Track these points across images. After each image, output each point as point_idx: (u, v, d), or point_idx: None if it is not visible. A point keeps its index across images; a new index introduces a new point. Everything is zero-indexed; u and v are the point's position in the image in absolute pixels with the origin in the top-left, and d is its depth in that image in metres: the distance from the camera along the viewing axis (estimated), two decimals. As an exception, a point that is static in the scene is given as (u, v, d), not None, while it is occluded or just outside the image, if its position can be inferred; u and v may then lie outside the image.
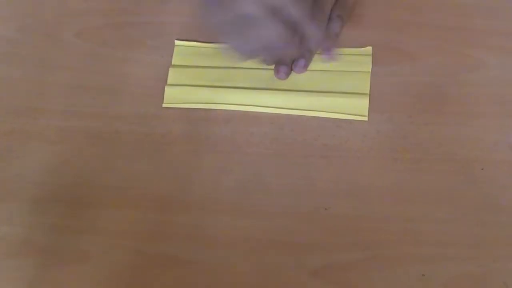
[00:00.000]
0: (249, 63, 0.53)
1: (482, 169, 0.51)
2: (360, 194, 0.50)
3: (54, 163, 0.52)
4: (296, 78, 0.55)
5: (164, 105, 0.54)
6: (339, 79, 0.55)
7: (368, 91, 0.54)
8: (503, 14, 0.58)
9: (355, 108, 0.54)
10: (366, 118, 0.53)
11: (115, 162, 0.52)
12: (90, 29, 0.58)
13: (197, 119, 0.54)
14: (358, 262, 0.48)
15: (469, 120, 0.53)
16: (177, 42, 0.57)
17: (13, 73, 0.57)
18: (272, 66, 0.55)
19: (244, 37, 0.49)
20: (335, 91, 0.54)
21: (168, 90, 0.55)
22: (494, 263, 0.47)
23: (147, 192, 0.51)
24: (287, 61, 0.54)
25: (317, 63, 0.55)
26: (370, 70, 0.55)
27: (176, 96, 0.55)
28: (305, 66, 0.54)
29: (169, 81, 0.56)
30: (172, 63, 0.57)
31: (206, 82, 0.56)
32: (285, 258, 0.48)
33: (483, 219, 0.49)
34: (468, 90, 0.54)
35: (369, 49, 0.56)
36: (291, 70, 0.54)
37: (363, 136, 0.52)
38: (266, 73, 0.55)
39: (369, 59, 0.55)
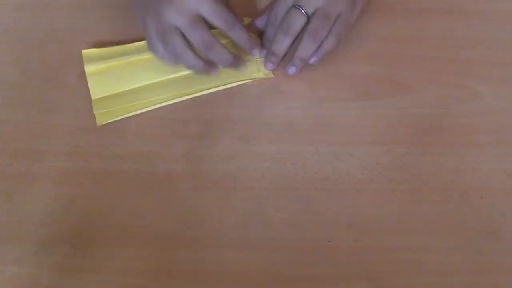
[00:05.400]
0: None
1: (481, 197, 0.52)
2: (361, 226, 0.51)
3: (59, 203, 0.52)
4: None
5: (98, 124, 0.56)
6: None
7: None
8: (495, 45, 0.59)
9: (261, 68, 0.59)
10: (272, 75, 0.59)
11: (120, 201, 0.52)
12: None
13: (200, 156, 0.55)
14: (362, 293, 0.48)
15: (465, 149, 0.54)
16: (84, 52, 0.60)
17: (17, 116, 0.57)
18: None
19: (167, 45, 0.52)
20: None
21: (95, 103, 0.57)
22: (495, 290, 0.48)
23: (152, 229, 0.51)
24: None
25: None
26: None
27: (105, 104, 0.57)
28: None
29: (91, 91, 0.58)
30: (86, 73, 0.58)
31: (127, 84, 0.58)
32: (289, 290, 0.49)
33: (483, 246, 0.50)
34: (463, 120, 0.55)
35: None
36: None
37: (363, 168, 0.53)
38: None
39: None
